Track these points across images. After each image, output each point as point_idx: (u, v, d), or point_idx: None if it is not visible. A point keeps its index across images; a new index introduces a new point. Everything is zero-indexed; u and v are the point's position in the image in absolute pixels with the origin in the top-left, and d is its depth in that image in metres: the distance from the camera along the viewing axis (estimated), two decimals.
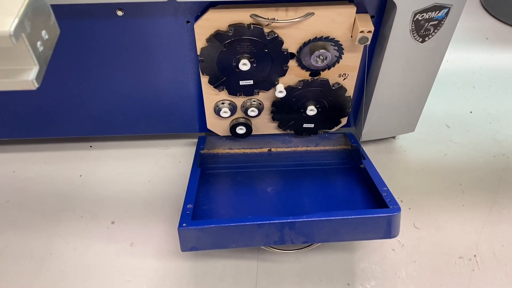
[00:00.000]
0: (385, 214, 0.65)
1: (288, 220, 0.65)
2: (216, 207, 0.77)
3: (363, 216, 0.65)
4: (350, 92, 0.85)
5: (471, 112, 1.10)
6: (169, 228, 0.86)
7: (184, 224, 0.65)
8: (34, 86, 0.32)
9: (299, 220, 0.65)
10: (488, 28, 1.35)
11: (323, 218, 0.65)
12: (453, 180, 0.95)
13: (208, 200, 0.78)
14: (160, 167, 0.97)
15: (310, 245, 0.77)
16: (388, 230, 0.66)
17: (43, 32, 0.33)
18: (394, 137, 1.03)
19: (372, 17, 0.75)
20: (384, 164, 0.98)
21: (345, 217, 0.65)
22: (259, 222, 0.65)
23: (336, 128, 0.92)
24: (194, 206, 0.73)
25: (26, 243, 0.84)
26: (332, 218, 0.65)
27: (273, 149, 0.95)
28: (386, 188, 0.72)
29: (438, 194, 0.92)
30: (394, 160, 0.99)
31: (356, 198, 0.77)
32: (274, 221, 0.65)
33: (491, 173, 0.96)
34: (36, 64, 0.31)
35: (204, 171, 0.86)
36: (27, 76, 0.31)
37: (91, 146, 1.01)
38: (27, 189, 0.93)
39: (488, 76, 1.19)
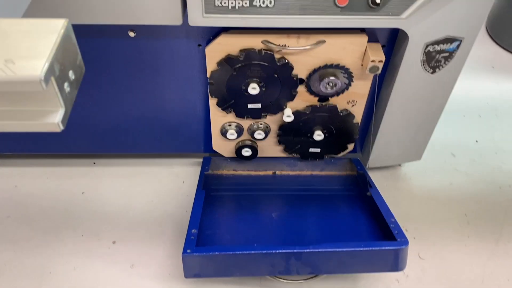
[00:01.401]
0: (393, 247, 0.64)
1: (295, 251, 0.64)
2: (220, 232, 0.76)
3: (370, 248, 0.64)
4: (358, 118, 0.84)
5: (476, 141, 1.09)
6: (171, 251, 0.85)
7: (188, 251, 0.64)
8: (60, 128, 0.31)
9: (306, 250, 0.64)
10: (494, 57, 1.35)
11: (330, 250, 0.64)
12: (458, 210, 0.94)
13: (212, 225, 0.77)
14: (163, 186, 0.96)
15: (315, 275, 0.76)
16: (396, 263, 0.65)
17: (70, 72, 0.32)
18: (399, 165, 1.02)
19: (383, 46, 0.75)
20: (389, 191, 0.97)
21: (353, 249, 0.64)
22: (265, 252, 0.64)
23: (342, 153, 0.92)
24: (198, 231, 0.72)
25: (25, 261, 0.82)
26: (339, 250, 0.64)
27: (278, 172, 0.94)
28: (393, 219, 0.71)
29: (443, 224, 0.92)
30: (399, 188, 0.99)
31: (362, 227, 0.76)
32: (280, 251, 0.64)
33: (497, 204, 0.95)
34: (62, 106, 0.31)
35: (208, 193, 0.85)
36: (52, 119, 0.30)
37: (94, 163, 1.00)
38: (28, 204, 0.92)
39: (494, 105, 1.19)
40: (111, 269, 0.82)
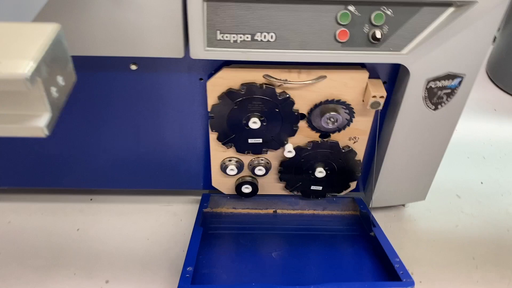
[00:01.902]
0: None
1: None
2: (217, 271, 0.73)
3: None
4: (360, 156, 0.83)
5: (482, 183, 1.07)
6: None
7: None
8: (44, 133, 0.30)
9: None
10: (496, 100, 1.36)
11: None
12: (465, 254, 0.91)
13: (209, 263, 0.74)
14: (160, 224, 0.94)
15: None
16: None
17: (59, 78, 0.31)
18: (403, 205, 1.00)
19: (384, 82, 0.75)
20: (393, 233, 0.94)
21: None
22: None
23: (344, 192, 0.90)
24: (194, 269, 0.69)
25: None
26: None
27: (278, 211, 0.92)
28: (398, 259, 0.68)
29: (450, 268, 0.88)
30: (404, 229, 0.95)
31: (366, 268, 0.73)
32: None
33: (505, 247, 0.92)
34: (48, 111, 0.30)
35: (206, 231, 0.83)
36: (38, 123, 0.29)
37: (91, 199, 0.98)
38: (21, 241, 0.89)
39: (498, 147, 1.18)
40: None
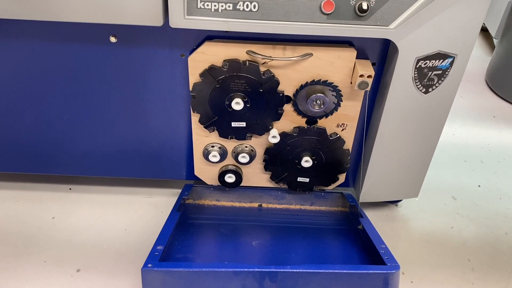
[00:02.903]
0: (382, 271, 0.56)
1: (270, 270, 0.56)
2: (192, 256, 0.68)
3: (357, 271, 0.56)
4: (348, 145, 0.80)
5: (479, 186, 1.03)
6: (139, 283, 0.76)
7: (149, 265, 0.56)
8: None
9: (282, 270, 0.56)
10: (495, 107, 1.33)
11: (310, 271, 0.56)
12: (460, 255, 0.85)
13: (184, 249, 0.69)
14: (139, 215, 0.89)
15: None
16: None
17: None
18: (396, 205, 0.95)
19: (373, 64, 0.72)
20: (384, 232, 0.89)
21: (337, 270, 0.56)
22: (236, 270, 0.56)
23: (333, 186, 0.86)
24: (167, 252, 0.65)
25: None
26: (321, 271, 0.56)
27: (264, 205, 0.87)
28: (384, 246, 0.63)
29: (444, 269, 0.83)
30: (396, 229, 0.91)
31: (352, 258, 0.68)
32: (253, 269, 0.56)
33: (503, 250, 0.87)
34: None
35: (185, 220, 0.79)
36: None
37: (70, 189, 0.94)
38: None
39: (497, 152, 1.14)
40: None
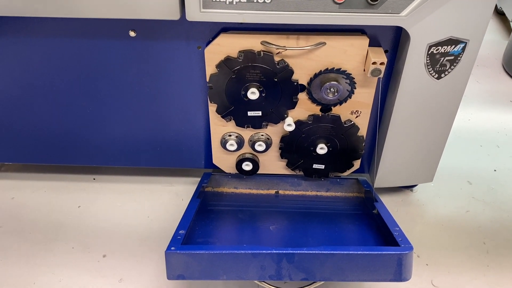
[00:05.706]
0: (396, 252, 0.58)
1: (287, 251, 0.58)
2: (213, 240, 0.71)
3: (371, 252, 0.58)
4: (363, 131, 0.81)
5: (495, 170, 1.03)
6: (162, 266, 0.79)
7: (172, 248, 0.59)
8: None
9: (299, 252, 0.58)
10: None
11: (326, 252, 0.58)
12: (476, 238, 0.87)
13: (205, 234, 0.72)
14: (161, 203, 0.93)
15: (310, 284, 0.69)
16: (399, 271, 0.58)
17: None
18: (411, 190, 0.97)
19: (386, 51, 0.73)
20: (400, 217, 0.91)
21: (351, 252, 0.58)
22: (254, 251, 0.58)
23: (348, 172, 0.87)
24: (189, 237, 0.68)
25: (11, 271, 0.79)
26: (336, 252, 0.58)
27: (280, 192, 0.90)
28: (398, 228, 0.65)
29: (459, 252, 0.84)
30: (411, 213, 0.92)
31: (366, 241, 0.70)
32: (270, 251, 0.58)
33: None
34: None
35: (205, 207, 0.81)
36: None
37: (94, 179, 0.98)
38: (22, 216, 0.89)
39: None
40: (97, 283, 0.77)
